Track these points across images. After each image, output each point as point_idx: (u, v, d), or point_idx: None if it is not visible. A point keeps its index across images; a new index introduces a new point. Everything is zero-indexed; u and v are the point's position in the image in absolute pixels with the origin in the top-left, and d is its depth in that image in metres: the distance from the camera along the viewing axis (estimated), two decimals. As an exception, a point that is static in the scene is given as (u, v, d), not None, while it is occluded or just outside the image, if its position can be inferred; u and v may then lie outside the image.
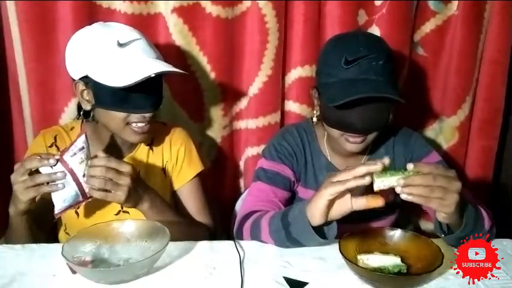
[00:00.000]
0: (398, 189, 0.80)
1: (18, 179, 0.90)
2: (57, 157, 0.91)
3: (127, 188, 0.93)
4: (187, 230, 1.08)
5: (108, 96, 0.99)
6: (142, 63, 0.98)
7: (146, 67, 0.96)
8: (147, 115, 1.02)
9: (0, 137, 1.34)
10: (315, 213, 0.87)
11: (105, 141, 1.11)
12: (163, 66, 0.98)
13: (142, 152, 1.16)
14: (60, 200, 0.92)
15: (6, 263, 0.89)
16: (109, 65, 0.97)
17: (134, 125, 1.02)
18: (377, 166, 0.81)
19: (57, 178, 0.90)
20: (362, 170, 0.82)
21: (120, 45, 0.98)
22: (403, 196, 0.80)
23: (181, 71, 1.02)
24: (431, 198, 0.81)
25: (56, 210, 0.93)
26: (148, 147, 1.16)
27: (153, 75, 0.94)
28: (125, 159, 1.13)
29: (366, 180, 0.81)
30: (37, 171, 0.91)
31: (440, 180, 0.80)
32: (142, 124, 1.03)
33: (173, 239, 0.92)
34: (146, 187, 1.03)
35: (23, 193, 0.90)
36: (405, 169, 0.82)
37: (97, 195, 0.93)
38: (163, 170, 1.18)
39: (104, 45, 0.99)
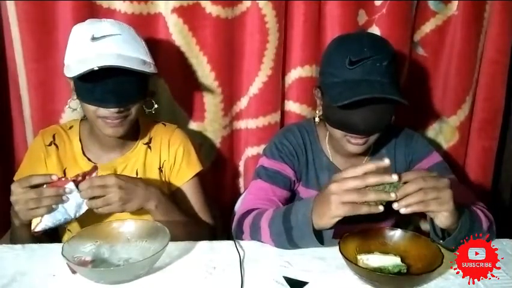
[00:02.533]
0: (395, 206, 0.80)
1: (19, 190, 0.91)
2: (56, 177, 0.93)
3: (118, 198, 0.95)
4: (193, 229, 1.09)
5: (79, 88, 1.02)
6: (100, 57, 0.98)
7: (101, 61, 0.96)
8: (112, 110, 1.01)
9: (0, 137, 1.34)
10: (325, 226, 0.86)
11: (101, 139, 1.12)
12: (116, 61, 0.97)
13: (139, 151, 1.16)
14: (50, 220, 0.93)
15: (6, 263, 0.89)
16: (75, 57, 1.01)
17: (105, 118, 1.03)
18: (390, 178, 0.79)
19: (62, 194, 0.92)
20: (372, 181, 0.80)
21: (93, 39, 1.00)
22: (402, 210, 0.80)
23: (133, 68, 0.98)
24: (428, 201, 0.81)
25: (39, 228, 0.92)
26: (146, 146, 1.17)
27: (96, 68, 0.94)
28: (120, 158, 1.14)
29: (381, 209, 0.80)
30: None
31: (429, 180, 0.81)
32: (112, 119, 1.03)
33: (180, 238, 0.92)
34: (147, 185, 1.03)
35: (24, 204, 0.91)
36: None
37: (101, 211, 0.96)
38: (160, 169, 1.18)
39: (79, 39, 1.02)
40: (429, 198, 0.81)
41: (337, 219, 0.83)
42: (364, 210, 0.80)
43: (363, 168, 0.81)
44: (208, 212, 1.22)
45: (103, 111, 1.02)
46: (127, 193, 0.97)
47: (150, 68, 1.04)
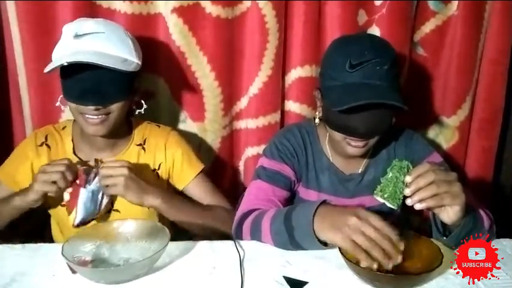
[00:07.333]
0: (408, 202, 0.81)
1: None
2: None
3: (124, 178, 0.96)
4: (215, 215, 1.13)
5: (62, 85, 1.05)
6: (77, 54, 0.99)
7: (75, 57, 0.97)
8: (90, 107, 1.02)
9: (0, 137, 1.34)
10: (322, 239, 0.87)
11: (91, 139, 1.13)
12: (90, 58, 0.97)
13: (131, 152, 1.17)
14: (83, 212, 1.01)
15: (6, 263, 0.89)
16: (57, 54, 1.03)
17: (86, 115, 1.04)
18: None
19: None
20: (385, 245, 0.80)
21: (76, 36, 1.01)
22: (417, 206, 0.81)
23: (98, 63, 0.98)
24: (441, 195, 0.82)
25: (77, 220, 1.01)
26: (139, 147, 1.17)
27: (65, 63, 0.96)
28: (112, 159, 1.14)
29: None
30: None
31: (439, 173, 0.82)
32: (93, 117, 1.04)
33: (205, 228, 1.01)
34: (148, 184, 1.04)
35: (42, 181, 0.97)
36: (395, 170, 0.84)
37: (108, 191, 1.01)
38: (155, 171, 1.18)
39: (64, 37, 1.03)
40: (441, 192, 0.81)
41: (333, 244, 0.85)
42: (361, 257, 0.80)
43: (389, 232, 0.81)
44: (223, 197, 1.23)
45: (82, 109, 1.03)
46: (132, 178, 1.00)
47: (129, 67, 1.03)
